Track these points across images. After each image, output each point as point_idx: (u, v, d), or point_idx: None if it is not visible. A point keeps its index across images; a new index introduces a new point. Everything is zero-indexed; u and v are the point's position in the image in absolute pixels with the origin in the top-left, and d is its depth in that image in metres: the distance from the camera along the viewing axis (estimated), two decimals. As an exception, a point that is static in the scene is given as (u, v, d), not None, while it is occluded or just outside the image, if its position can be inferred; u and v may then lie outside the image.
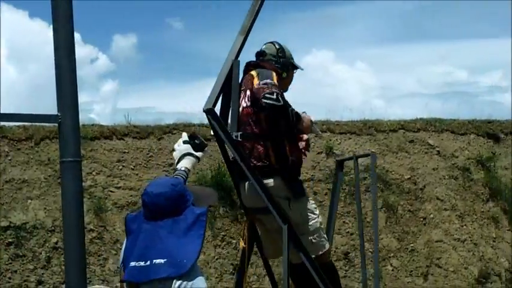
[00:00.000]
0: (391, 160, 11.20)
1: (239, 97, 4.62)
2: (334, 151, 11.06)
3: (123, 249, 3.08)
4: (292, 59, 4.92)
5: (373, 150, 11.23)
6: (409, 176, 11.12)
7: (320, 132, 6.05)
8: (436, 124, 11.67)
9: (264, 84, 4.39)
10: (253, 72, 4.58)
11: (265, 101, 4.30)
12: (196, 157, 3.65)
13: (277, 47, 4.90)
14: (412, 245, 10.49)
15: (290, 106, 4.52)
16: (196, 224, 2.92)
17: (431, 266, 10.42)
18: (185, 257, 2.83)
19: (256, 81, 4.47)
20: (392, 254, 10.32)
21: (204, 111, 4.35)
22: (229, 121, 4.58)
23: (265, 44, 4.98)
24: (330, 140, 11.23)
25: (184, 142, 3.70)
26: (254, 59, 4.88)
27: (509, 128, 12.01)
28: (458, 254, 10.56)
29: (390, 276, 10.10)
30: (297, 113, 4.55)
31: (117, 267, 8.34)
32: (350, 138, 11.46)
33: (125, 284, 2.99)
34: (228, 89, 4.49)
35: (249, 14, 4.74)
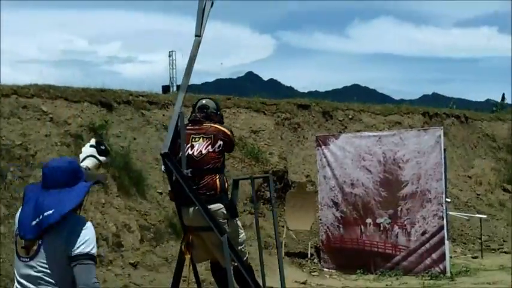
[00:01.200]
0: (2, 126, 11.87)
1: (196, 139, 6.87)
2: None
3: (18, 214, 4.06)
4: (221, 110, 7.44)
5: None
6: (20, 142, 11.90)
7: None
8: (50, 91, 12.68)
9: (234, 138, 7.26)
10: (223, 128, 7.06)
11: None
12: (99, 160, 4.60)
13: (215, 103, 7.34)
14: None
15: None
16: (81, 189, 4.03)
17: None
18: (65, 205, 3.89)
19: (232, 137, 7.15)
20: (0, 221, 10.92)
21: (161, 154, 6.29)
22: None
23: (204, 99, 7.35)
24: None
25: (91, 146, 4.63)
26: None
27: (123, 97, 13.65)
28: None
29: (-1, 245, 10.65)
30: None
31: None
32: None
33: (23, 242, 3.96)
34: (176, 135, 6.40)
35: (185, 74, 6.75)
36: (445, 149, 13.36)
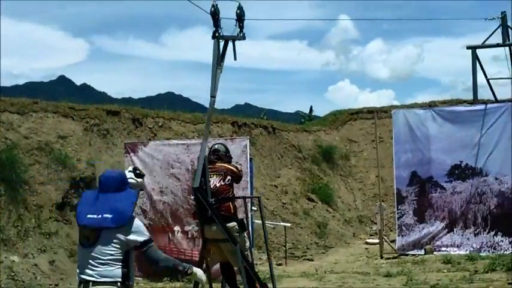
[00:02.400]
0: None
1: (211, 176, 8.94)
2: None
3: (78, 207, 5.53)
4: (230, 152, 9.66)
5: None
6: None
7: None
8: None
9: (240, 173, 9.43)
10: (230, 166, 9.24)
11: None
12: (136, 181, 6.19)
13: (225, 146, 9.61)
14: None
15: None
16: (131, 197, 5.51)
17: None
18: (122, 214, 5.34)
19: (239, 172, 9.31)
20: None
21: (193, 188, 8.68)
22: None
23: (216, 145, 9.60)
24: None
25: (129, 171, 6.24)
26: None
27: None
28: None
29: None
30: None
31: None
32: None
33: (85, 233, 5.39)
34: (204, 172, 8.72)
35: (206, 126, 9.26)
36: (251, 158, 13.94)
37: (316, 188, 22.27)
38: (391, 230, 19.91)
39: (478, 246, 16.07)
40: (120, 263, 5.37)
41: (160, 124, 18.78)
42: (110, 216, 5.32)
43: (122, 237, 5.35)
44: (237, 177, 9.31)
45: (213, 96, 8.84)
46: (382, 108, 26.74)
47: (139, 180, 6.30)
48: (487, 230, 16.13)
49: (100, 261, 5.31)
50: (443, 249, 16.31)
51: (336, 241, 20.02)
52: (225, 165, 9.23)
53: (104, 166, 16.33)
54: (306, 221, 20.31)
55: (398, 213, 17.02)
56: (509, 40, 21.29)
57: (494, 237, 16.05)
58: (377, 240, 17.70)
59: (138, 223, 5.46)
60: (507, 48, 21.99)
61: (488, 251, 15.79)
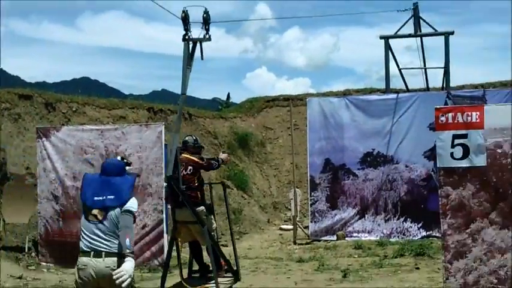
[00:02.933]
0: None
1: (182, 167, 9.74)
2: None
3: (82, 190, 6.64)
4: (199, 143, 10.68)
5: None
6: None
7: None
8: None
9: (206, 162, 10.28)
10: (194, 157, 10.13)
11: (212, 168, 10.65)
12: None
13: (194, 138, 10.57)
14: None
15: (214, 160, 10.49)
16: (130, 181, 6.63)
17: None
18: (123, 195, 6.43)
19: (200, 162, 10.16)
20: None
21: (167, 176, 9.36)
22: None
23: (186, 136, 10.63)
24: None
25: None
26: None
27: None
28: None
29: None
30: (218, 159, 10.48)
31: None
32: None
33: (92, 211, 6.40)
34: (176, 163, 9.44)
35: (177, 118, 10.24)
36: (166, 145, 13.89)
37: (232, 175, 22.31)
38: (304, 216, 20.15)
39: (388, 232, 16.51)
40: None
41: (74, 109, 18.47)
42: (112, 197, 6.41)
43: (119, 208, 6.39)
44: (199, 166, 10.21)
45: (183, 94, 9.62)
46: (298, 96, 26.97)
47: (127, 168, 7.10)
48: (397, 217, 16.59)
49: (111, 234, 6.32)
50: (354, 235, 16.69)
51: (250, 227, 20.14)
52: (187, 156, 10.12)
53: (15, 151, 16.01)
54: (221, 207, 20.31)
55: (311, 199, 17.30)
56: (420, 31, 21.66)
57: (404, 223, 16.53)
58: (291, 226, 17.95)
59: (134, 199, 6.49)
60: (419, 39, 22.41)
61: (398, 237, 16.25)
